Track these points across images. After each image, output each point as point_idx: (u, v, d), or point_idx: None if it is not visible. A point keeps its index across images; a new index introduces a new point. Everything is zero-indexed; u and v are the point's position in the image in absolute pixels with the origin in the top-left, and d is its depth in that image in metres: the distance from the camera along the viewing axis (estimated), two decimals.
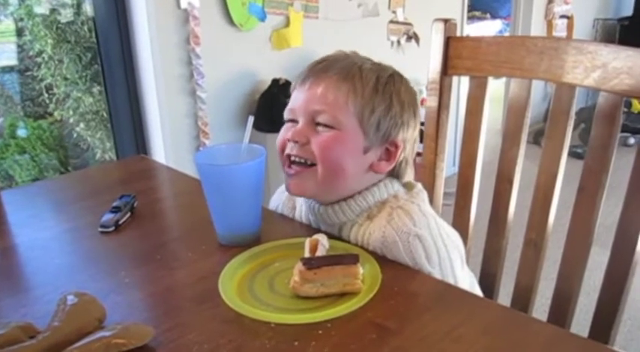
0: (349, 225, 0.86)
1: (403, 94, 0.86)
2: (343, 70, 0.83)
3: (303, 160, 0.84)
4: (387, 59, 0.89)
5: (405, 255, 0.79)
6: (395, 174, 0.89)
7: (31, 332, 0.63)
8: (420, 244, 0.79)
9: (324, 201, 0.87)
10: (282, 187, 0.98)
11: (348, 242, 0.85)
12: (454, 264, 0.83)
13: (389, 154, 0.86)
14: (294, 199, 0.98)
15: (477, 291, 0.95)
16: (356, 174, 0.85)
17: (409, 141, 0.88)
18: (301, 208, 0.95)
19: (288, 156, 0.86)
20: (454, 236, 0.87)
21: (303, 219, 0.95)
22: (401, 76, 0.88)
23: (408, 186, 0.90)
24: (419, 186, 0.91)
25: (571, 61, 0.96)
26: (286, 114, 0.88)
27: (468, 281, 0.90)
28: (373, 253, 0.80)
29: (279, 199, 1.01)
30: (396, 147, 0.86)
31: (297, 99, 0.85)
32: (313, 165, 0.83)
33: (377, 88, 0.83)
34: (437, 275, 0.81)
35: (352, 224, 0.86)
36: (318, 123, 0.83)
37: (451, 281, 0.82)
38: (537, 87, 3.86)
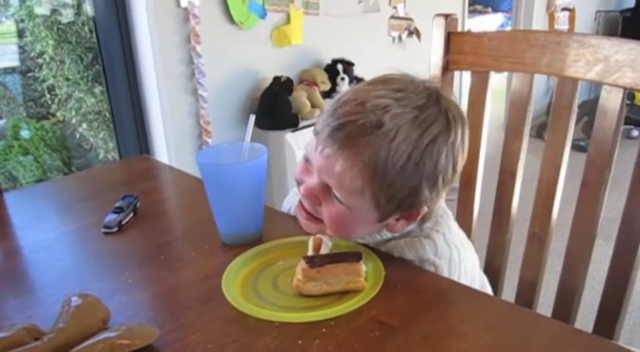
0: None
1: (441, 166, 0.73)
2: (368, 151, 0.70)
3: (313, 214, 0.81)
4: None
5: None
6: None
7: (36, 334, 0.63)
8: (432, 270, 0.78)
9: None
10: (296, 189, 0.95)
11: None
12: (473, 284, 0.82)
13: (409, 216, 0.78)
14: None
15: (488, 291, 0.95)
16: (368, 231, 0.82)
17: (440, 196, 0.79)
18: None
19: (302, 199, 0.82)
20: (473, 267, 0.86)
21: None
22: (448, 130, 0.73)
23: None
24: (443, 206, 0.85)
25: (573, 55, 0.95)
26: (306, 151, 0.80)
27: None
28: (378, 251, 0.80)
29: (291, 201, 0.98)
30: (419, 213, 0.78)
31: (314, 155, 0.76)
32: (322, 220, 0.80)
33: (404, 170, 0.71)
34: None
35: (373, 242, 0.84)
36: (330, 190, 0.76)
37: None
38: (539, 81, 3.85)
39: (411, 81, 0.75)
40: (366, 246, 0.82)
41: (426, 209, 0.78)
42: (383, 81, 0.76)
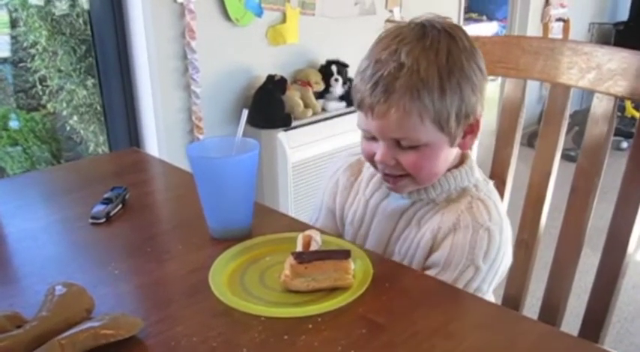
0: (425, 202, 0.88)
1: (467, 67, 0.80)
2: (407, 89, 0.77)
3: (397, 175, 0.84)
4: None
5: (469, 242, 0.81)
6: None
7: (19, 322, 0.62)
8: (486, 239, 0.81)
9: None
10: (347, 154, 1.01)
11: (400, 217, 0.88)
12: (496, 276, 0.84)
13: (471, 128, 0.85)
14: (363, 165, 0.97)
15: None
16: (447, 162, 0.86)
17: (483, 96, 0.85)
18: (373, 174, 0.94)
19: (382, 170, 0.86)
20: (510, 254, 0.88)
21: (372, 184, 0.94)
22: (454, 38, 0.80)
23: (484, 179, 0.92)
24: (492, 183, 0.92)
25: (566, 62, 0.96)
26: (361, 129, 0.86)
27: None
28: (367, 251, 0.80)
29: (339, 164, 1.01)
30: (477, 120, 0.85)
31: (368, 125, 0.82)
32: (408, 175, 0.84)
33: (443, 87, 0.78)
34: (482, 273, 0.81)
35: (428, 201, 0.88)
36: (400, 143, 0.82)
37: (484, 286, 0.83)
38: (532, 89, 3.87)
39: (400, 25, 0.84)
40: (355, 245, 0.82)
41: (480, 112, 0.84)
42: (379, 40, 0.83)
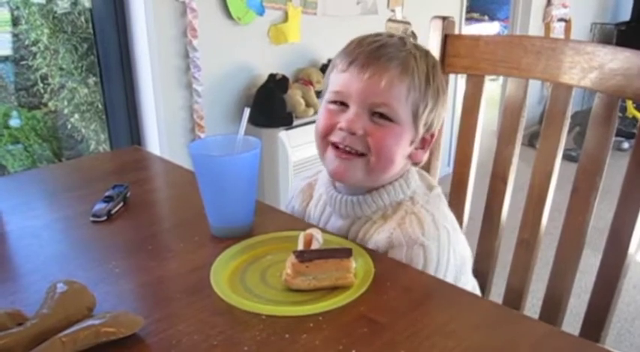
0: (363, 221, 0.86)
1: (443, 81, 0.86)
2: (403, 61, 0.80)
3: (353, 150, 0.82)
4: None
5: (405, 259, 0.79)
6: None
7: (20, 319, 0.62)
8: (422, 254, 0.79)
9: (355, 191, 0.86)
10: (300, 178, 1.01)
11: (345, 238, 0.85)
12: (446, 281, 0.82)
13: (424, 143, 0.87)
14: (314, 189, 0.97)
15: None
16: (399, 164, 0.85)
17: (440, 120, 0.88)
18: (320, 198, 0.94)
19: (335, 143, 0.83)
20: (464, 250, 0.87)
21: (318, 208, 0.94)
22: (434, 58, 0.86)
23: (428, 186, 0.89)
24: (438, 189, 0.90)
25: (568, 62, 0.96)
26: (330, 96, 0.84)
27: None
28: (369, 249, 0.80)
29: (293, 189, 1.01)
30: (432, 136, 0.87)
31: (351, 85, 0.81)
32: (363, 154, 0.82)
33: (429, 81, 0.82)
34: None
35: (366, 220, 0.86)
36: (375, 113, 0.81)
37: None
38: (534, 89, 3.87)
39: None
40: (357, 244, 0.81)
41: (437, 129, 0.87)
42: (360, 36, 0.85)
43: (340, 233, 0.88)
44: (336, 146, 0.83)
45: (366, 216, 0.86)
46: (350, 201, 0.86)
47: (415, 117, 0.82)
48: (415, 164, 0.89)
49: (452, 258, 0.82)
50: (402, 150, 0.83)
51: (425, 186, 0.89)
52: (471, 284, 0.93)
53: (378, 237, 0.82)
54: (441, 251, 0.81)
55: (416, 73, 0.80)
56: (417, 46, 0.84)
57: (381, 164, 0.82)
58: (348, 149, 0.82)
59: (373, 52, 0.80)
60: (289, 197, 1.02)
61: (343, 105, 0.82)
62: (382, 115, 0.80)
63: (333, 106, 0.84)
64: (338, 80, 0.83)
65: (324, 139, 0.84)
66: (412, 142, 0.85)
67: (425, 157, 0.88)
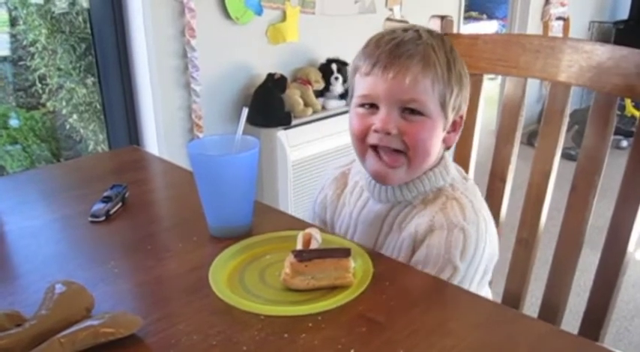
0: (403, 205, 0.88)
1: (464, 67, 0.87)
2: (424, 55, 0.82)
3: (392, 149, 0.84)
4: None
5: (444, 243, 0.81)
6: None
7: (18, 320, 0.62)
8: (462, 238, 0.81)
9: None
10: (333, 167, 1.02)
11: (383, 221, 0.88)
12: (477, 273, 0.83)
13: (454, 125, 0.89)
14: (348, 177, 0.98)
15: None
16: (436, 153, 0.87)
17: (466, 102, 0.90)
18: (355, 184, 0.95)
19: (373, 145, 0.85)
20: (495, 248, 0.88)
21: (354, 194, 0.95)
22: (449, 41, 0.87)
23: (463, 177, 0.92)
24: (472, 180, 0.93)
25: (566, 60, 0.96)
26: (359, 100, 0.85)
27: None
28: (366, 248, 0.80)
29: (326, 178, 1.02)
30: (461, 118, 0.89)
31: (377, 87, 0.82)
32: (400, 151, 0.84)
33: (450, 68, 0.83)
34: (460, 272, 0.81)
35: (406, 204, 0.88)
36: (405, 110, 0.82)
37: (465, 284, 0.82)
38: (532, 88, 3.87)
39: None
40: (356, 243, 0.81)
41: (464, 112, 0.89)
42: (377, 35, 0.86)
43: (378, 217, 0.90)
44: (374, 148, 0.85)
45: (406, 200, 0.88)
46: (390, 187, 0.88)
47: (443, 106, 0.83)
48: (448, 148, 0.91)
49: (487, 247, 0.84)
50: (436, 140, 0.85)
51: (460, 177, 0.92)
52: (486, 289, 0.93)
53: (419, 220, 0.84)
54: (479, 237, 0.82)
55: (437, 64, 0.82)
56: (431, 34, 0.85)
57: (419, 158, 0.85)
58: (388, 148, 0.84)
59: (393, 51, 0.81)
60: (320, 187, 1.03)
61: (373, 107, 0.84)
62: (412, 111, 0.82)
63: (362, 109, 0.85)
64: (363, 83, 0.84)
65: (363, 142, 0.86)
66: (444, 129, 0.87)
67: (457, 139, 0.91)
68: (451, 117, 0.86)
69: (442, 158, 0.90)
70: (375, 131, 0.83)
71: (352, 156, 0.96)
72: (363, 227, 0.92)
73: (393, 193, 0.88)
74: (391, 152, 0.84)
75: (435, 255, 0.81)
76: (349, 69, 0.90)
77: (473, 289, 0.83)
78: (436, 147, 0.86)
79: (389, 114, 0.82)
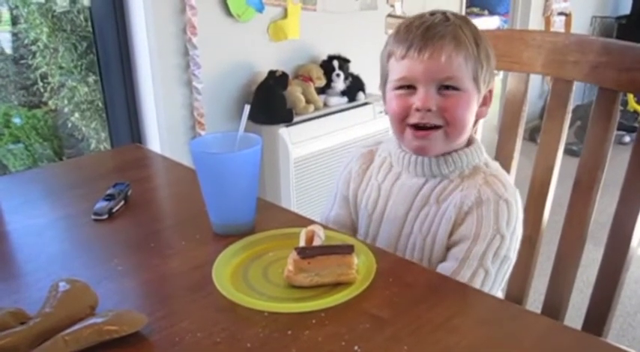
0: (438, 179, 0.92)
1: (488, 41, 0.91)
2: (454, 35, 0.86)
3: (431, 125, 0.88)
4: None
5: (492, 214, 0.86)
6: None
7: (22, 318, 0.62)
8: (506, 209, 0.86)
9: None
10: (359, 146, 1.05)
11: (417, 194, 0.91)
12: (517, 242, 0.89)
13: (485, 99, 0.93)
14: (375, 154, 1.01)
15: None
16: (471, 126, 0.92)
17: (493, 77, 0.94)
18: (384, 159, 0.98)
19: (415, 125, 0.89)
20: (521, 228, 0.92)
21: (382, 168, 0.98)
22: (471, 20, 0.92)
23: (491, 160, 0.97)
24: (497, 163, 0.97)
25: (569, 56, 0.95)
26: (396, 83, 0.90)
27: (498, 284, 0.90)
28: (369, 245, 0.80)
29: (351, 155, 1.04)
30: (490, 92, 0.94)
31: (414, 68, 0.87)
32: (439, 127, 0.88)
33: (478, 45, 0.88)
34: (507, 241, 0.86)
35: (442, 179, 0.91)
36: (442, 87, 0.87)
37: (510, 253, 0.87)
38: (534, 84, 3.86)
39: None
40: (359, 240, 0.81)
41: (493, 86, 0.93)
42: (406, 21, 0.91)
43: (412, 190, 0.93)
44: (414, 126, 0.89)
45: (443, 174, 0.91)
46: (427, 161, 0.91)
47: (476, 81, 0.88)
48: (477, 121, 0.95)
49: (519, 222, 0.89)
50: (472, 113, 0.90)
51: (490, 159, 0.97)
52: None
53: (464, 192, 0.88)
54: (518, 209, 0.89)
55: (467, 42, 0.86)
56: (456, 15, 0.90)
57: (457, 131, 0.89)
58: (428, 126, 0.88)
59: (425, 34, 0.86)
60: (344, 163, 1.05)
61: (410, 88, 0.88)
62: (448, 87, 0.87)
63: (401, 91, 0.90)
64: (400, 67, 0.89)
65: (402, 123, 0.90)
66: (477, 103, 0.91)
67: (488, 112, 0.95)
68: (483, 90, 0.91)
69: (473, 140, 0.94)
70: (417, 109, 0.87)
71: (376, 139, 1.02)
72: (395, 199, 0.94)
73: (429, 167, 0.91)
74: (428, 129, 0.88)
75: (485, 227, 0.86)
76: (381, 56, 0.94)
77: (513, 257, 0.89)
78: (471, 120, 0.91)
79: (427, 92, 0.86)
